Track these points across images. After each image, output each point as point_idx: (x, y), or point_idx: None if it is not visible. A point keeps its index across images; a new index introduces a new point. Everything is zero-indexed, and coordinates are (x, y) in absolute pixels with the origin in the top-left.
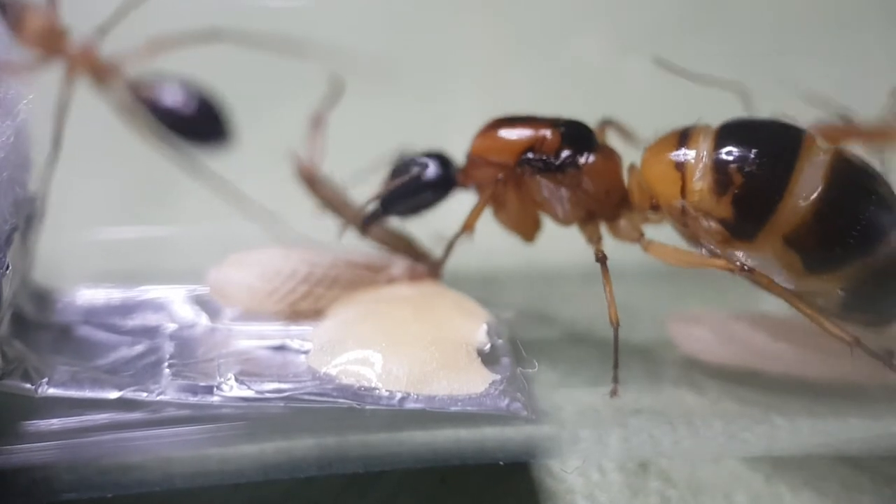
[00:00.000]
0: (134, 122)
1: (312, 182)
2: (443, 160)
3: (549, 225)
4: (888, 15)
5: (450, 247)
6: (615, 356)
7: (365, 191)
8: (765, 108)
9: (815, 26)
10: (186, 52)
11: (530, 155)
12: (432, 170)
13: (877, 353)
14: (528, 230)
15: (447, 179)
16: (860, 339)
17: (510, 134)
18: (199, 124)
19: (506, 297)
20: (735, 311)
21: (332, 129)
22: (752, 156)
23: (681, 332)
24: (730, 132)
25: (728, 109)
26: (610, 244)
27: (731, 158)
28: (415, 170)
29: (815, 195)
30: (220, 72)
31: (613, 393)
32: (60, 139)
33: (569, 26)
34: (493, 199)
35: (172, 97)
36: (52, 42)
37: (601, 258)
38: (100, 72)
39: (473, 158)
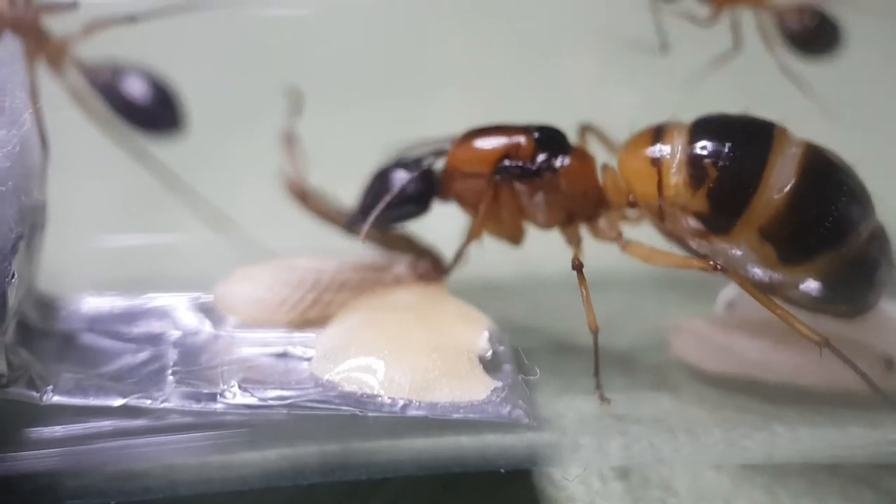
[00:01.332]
0: (87, 108)
1: (303, 196)
2: (424, 173)
3: (549, 233)
4: None
5: (458, 257)
6: (596, 363)
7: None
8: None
9: None
10: (170, 58)
11: (506, 162)
12: (412, 184)
13: (844, 356)
14: (513, 236)
15: (427, 194)
16: (829, 340)
17: (484, 143)
18: (152, 112)
19: (507, 304)
20: (735, 319)
21: (325, 139)
22: (726, 150)
23: (681, 340)
24: (703, 127)
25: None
26: (611, 251)
27: (705, 153)
28: (394, 184)
29: (788, 187)
30: (208, 81)
31: (601, 398)
32: (46, 138)
33: (559, 35)
34: (476, 208)
35: (125, 83)
36: None
37: (577, 266)
38: (50, 51)
39: (450, 171)
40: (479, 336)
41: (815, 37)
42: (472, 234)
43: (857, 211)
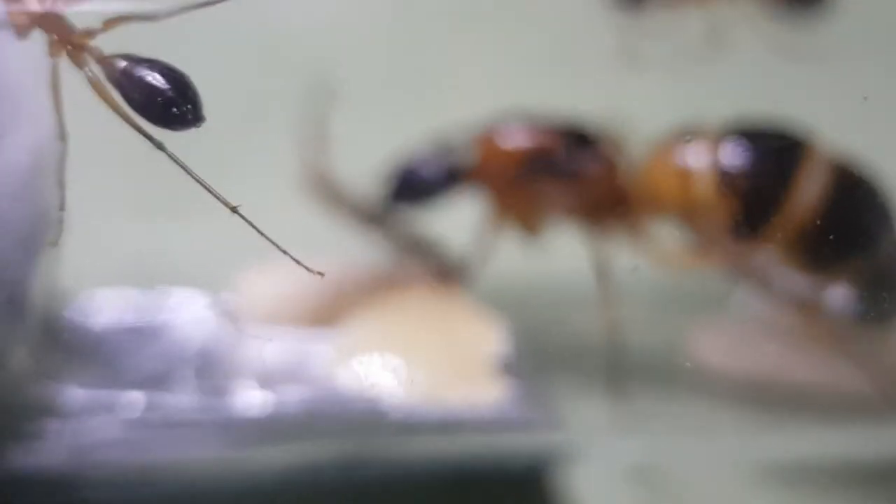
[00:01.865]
0: (107, 101)
1: (328, 193)
2: (450, 158)
3: (566, 231)
4: None
5: (480, 253)
6: (613, 362)
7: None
8: None
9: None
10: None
11: (534, 160)
12: (437, 167)
13: (860, 358)
14: (532, 233)
15: (454, 172)
16: (845, 337)
17: (511, 140)
18: (171, 104)
19: (521, 305)
20: (751, 322)
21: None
22: (756, 156)
23: (697, 341)
24: (733, 131)
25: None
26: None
27: (733, 161)
28: (423, 168)
29: (815, 199)
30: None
31: (616, 396)
32: (65, 134)
33: (568, 41)
34: (498, 202)
35: (144, 76)
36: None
37: (603, 270)
38: (73, 45)
39: (476, 161)
40: (493, 338)
41: None
42: (493, 226)
43: (884, 220)
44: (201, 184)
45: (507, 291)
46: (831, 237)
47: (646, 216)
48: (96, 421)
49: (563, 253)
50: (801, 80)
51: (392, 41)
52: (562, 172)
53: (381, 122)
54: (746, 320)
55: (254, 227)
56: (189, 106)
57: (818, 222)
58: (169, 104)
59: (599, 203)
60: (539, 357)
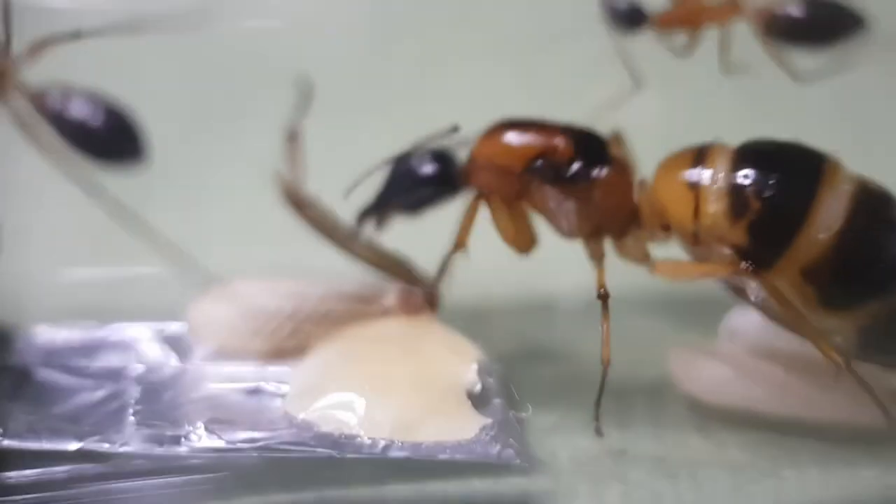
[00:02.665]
0: (35, 137)
1: (299, 203)
2: (446, 158)
3: (544, 254)
4: None
5: (444, 267)
6: (599, 396)
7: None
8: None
9: None
10: (143, 71)
11: (540, 163)
12: (434, 166)
13: (863, 381)
14: (525, 242)
15: (449, 177)
16: (851, 363)
17: (520, 139)
18: (110, 140)
19: (497, 331)
20: (739, 349)
21: (312, 150)
22: (772, 181)
23: (682, 371)
24: (748, 154)
25: (725, 131)
26: (611, 270)
27: (748, 182)
28: (416, 170)
29: (836, 227)
30: (193, 83)
31: (597, 431)
32: None
33: (556, 40)
34: (494, 205)
35: (79, 109)
36: None
37: (603, 295)
38: None
39: (477, 161)
40: (467, 369)
41: (819, 20)
42: (459, 242)
43: None
44: (136, 227)
45: (481, 313)
46: (856, 269)
47: (651, 233)
48: (32, 472)
49: (544, 274)
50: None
51: (372, 47)
52: (571, 177)
53: (361, 131)
54: (730, 346)
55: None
56: (130, 144)
57: (842, 251)
58: (108, 143)
59: (606, 214)
60: (515, 388)
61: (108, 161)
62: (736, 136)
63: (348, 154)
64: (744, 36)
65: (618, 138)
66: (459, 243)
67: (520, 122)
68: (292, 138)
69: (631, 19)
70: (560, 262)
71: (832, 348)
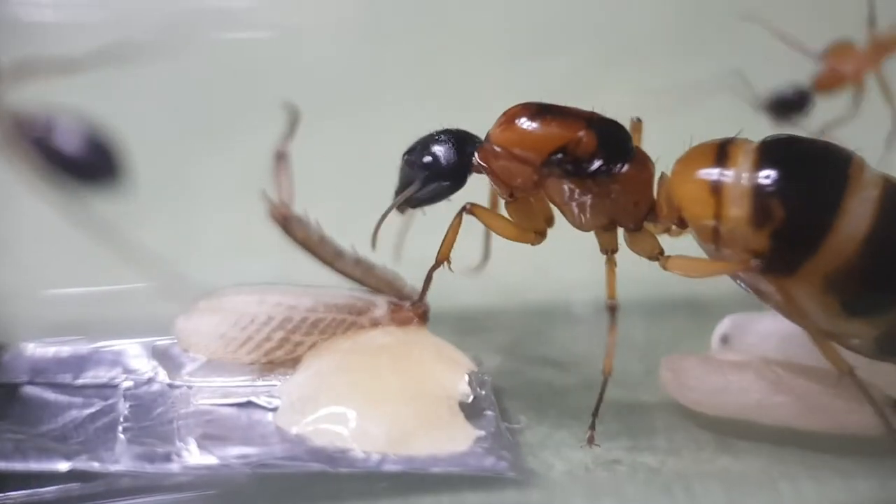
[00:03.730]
0: (15, 158)
1: (287, 222)
2: (458, 145)
3: (537, 264)
4: None
5: (427, 281)
6: (596, 407)
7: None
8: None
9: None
10: (136, 80)
11: (560, 156)
12: (448, 159)
13: (864, 389)
14: (529, 236)
15: (461, 170)
16: (854, 370)
17: (540, 128)
18: (90, 164)
19: (489, 337)
20: (731, 356)
21: (299, 164)
22: (798, 186)
23: (673, 379)
24: (772, 153)
25: (718, 126)
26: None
27: (773, 187)
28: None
29: (862, 234)
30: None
31: (590, 441)
32: None
33: (551, 42)
34: (481, 209)
35: (60, 132)
36: None
37: (611, 306)
38: None
39: (493, 147)
40: (459, 380)
41: None
42: (441, 256)
43: None
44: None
45: (473, 324)
46: (882, 277)
47: (667, 228)
48: (20, 493)
49: (537, 282)
50: None
51: (360, 57)
52: (592, 172)
53: (349, 142)
54: (722, 354)
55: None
56: (109, 166)
57: (868, 258)
58: (86, 170)
59: (623, 208)
60: (508, 397)
61: (87, 186)
62: None
63: (337, 165)
64: None
65: (636, 127)
66: (442, 257)
67: (542, 109)
68: (280, 158)
69: (801, 104)
70: (554, 272)
71: (839, 356)
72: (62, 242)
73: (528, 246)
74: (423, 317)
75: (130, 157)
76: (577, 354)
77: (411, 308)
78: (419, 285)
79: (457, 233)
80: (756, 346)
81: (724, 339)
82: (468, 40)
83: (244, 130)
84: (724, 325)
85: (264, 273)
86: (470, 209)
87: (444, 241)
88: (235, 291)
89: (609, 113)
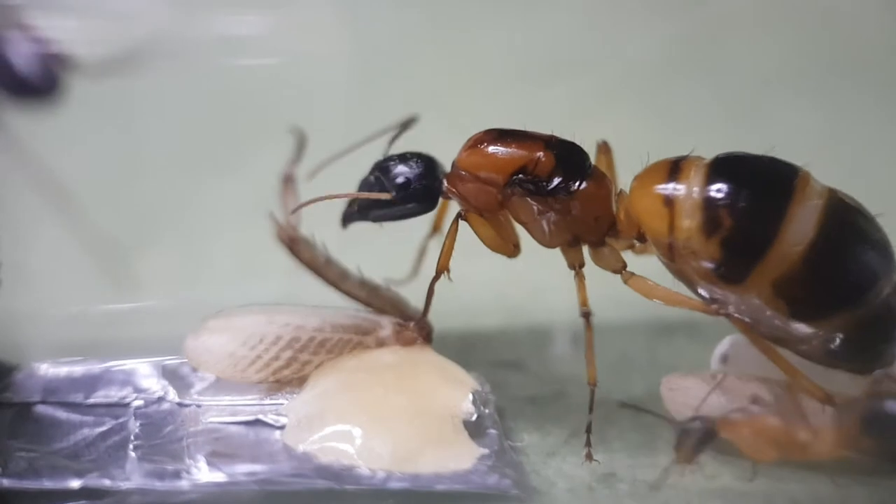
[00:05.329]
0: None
1: (293, 244)
2: (428, 169)
3: (535, 281)
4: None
5: (430, 294)
6: (589, 421)
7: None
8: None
9: (802, 72)
10: (142, 108)
11: (521, 176)
12: (418, 178)
13: (847, 418)
14: (507, 248)
15: (430, 193)
16: (834, 398)
17: (502, 151)
18: (31, 78)
19: (492, 360)
20: (731, 374)
21: (305, 189)
22: (744, 197)
23: (673, 397)
24: (722, 168)
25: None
26: (609, 290)
27: (721, 198)
28: (397, 178)
29: (806, 241)
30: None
31: (588, 457)
32: None
33: (553, 70)
34: (474, 215)
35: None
36: None
37: (585, 314)
38: None
39: (459, 172)
40: (463, 398)
41: None
42: (441, 266)
43: (879, 267)
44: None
45: (475, 341)
46: (825, 282)
47: (628, 241)
48: None
49: (532, 297)
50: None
51: (367, 82)
52: (551, 190)
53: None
54: (728, 375)
55: None
56: (48, 80)
57: (812, 265)
58: (31, 79)
59: (584, 224)
60: (510, 415)
61: (26, 96)
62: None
63: (342, 188)
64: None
65: (604, 148)
66: (442, 267)
67: (503, 133)
68: (287, 181)
69: None
70: (552, 290)
71: (812, 384)
72: (74, 264)
73: (529, 267)
74: (427, 337)
75: (141, 178)
76: (579, 373)
77: (415, 328)
78: (422, 305)
79: (454, 241)
80: (755, 366)
81: (724, 359)
82: (472, 68)
83: (252, 154)
84: (723, 346)
85: (271, 293)
86: (465, 216)
87: (442, 250)
88: (244, 311)
89: (611, 140)
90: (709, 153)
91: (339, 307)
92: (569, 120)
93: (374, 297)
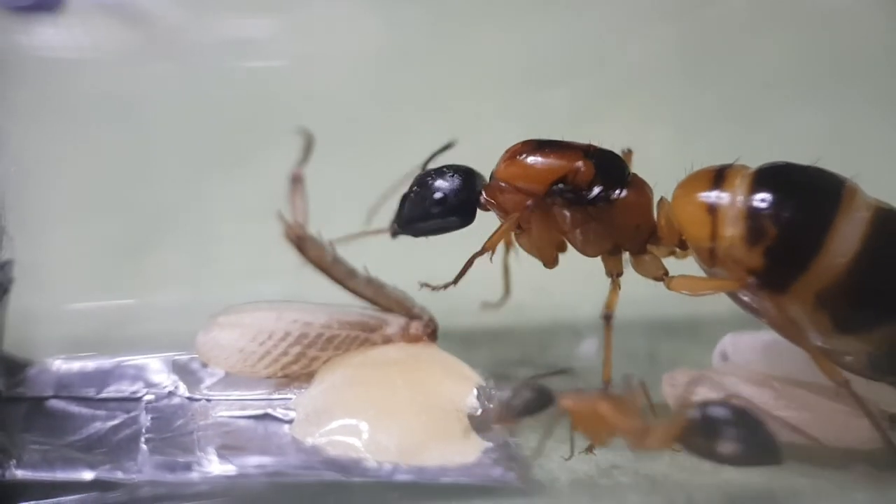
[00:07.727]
0: None
1: (301, 243)
2: (468, 182)
3: (542, 278)
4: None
5: (467, 265)
6: None
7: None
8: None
9: (807, 77)
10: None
11: (561, 186)
12: (457, 191)
13: (861, 402)
14: (549, 257)
15: (470, 205)
16: (849, 382)
17: (541, 162)
18: None
19: (496, 356)
20: (730, 372)
21: (313, 189)
22: (790, 207)
23: (675, 393)
24: (767, 178)
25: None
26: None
27: (766, 208)
28: (437, 190)
29: (851, 254)
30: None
31: (589, 450)
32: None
33: (556, 75)
34: (518, 224)
35: None
36: None
37: (607, 316)
38: None
39: (499, 183)
40: (468, 393)
41: None
42: (489, 245)
43: None
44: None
45: (480, 338)
46: (870, 295)
47: (669, 250)
48: (47, 501)
49: (541, 298)
50: None
51: (375, 85)
52: (592, 199)
53: (364, 169)
54: (722, 369)
55: None
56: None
57: (856, 277)
58: None
59: (625, 232)
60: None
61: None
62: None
63: (350, 188)
64: None
65: (627, 157)
66: (490, 245)
67: (542, 144)
68: (295, 181)
69: None
70: (558, 286)
71: (834, 368)
72: (86, 261)
73: (533, 265)
74: (432, 334)
75: (152, 178)
76: (582, 369)
77: (422, 325)
78: (428, 304)
79: (511, 229)
80: (755, 363)
81: (724, 356)
82: (478, 71)
83: (261, 155)
84: (724, 343)
85: (280, 291)
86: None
87: (495, 232)
88: (254, 307)
89: (615, 142)
90: (712, 155)
91: (346, 305)
92: (573, 122)
93: (380, 296)
